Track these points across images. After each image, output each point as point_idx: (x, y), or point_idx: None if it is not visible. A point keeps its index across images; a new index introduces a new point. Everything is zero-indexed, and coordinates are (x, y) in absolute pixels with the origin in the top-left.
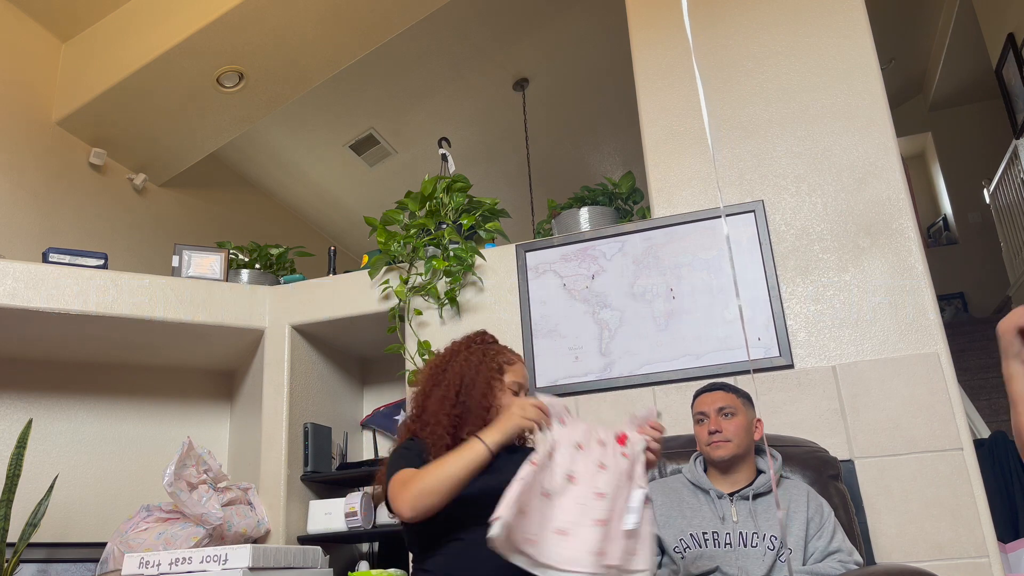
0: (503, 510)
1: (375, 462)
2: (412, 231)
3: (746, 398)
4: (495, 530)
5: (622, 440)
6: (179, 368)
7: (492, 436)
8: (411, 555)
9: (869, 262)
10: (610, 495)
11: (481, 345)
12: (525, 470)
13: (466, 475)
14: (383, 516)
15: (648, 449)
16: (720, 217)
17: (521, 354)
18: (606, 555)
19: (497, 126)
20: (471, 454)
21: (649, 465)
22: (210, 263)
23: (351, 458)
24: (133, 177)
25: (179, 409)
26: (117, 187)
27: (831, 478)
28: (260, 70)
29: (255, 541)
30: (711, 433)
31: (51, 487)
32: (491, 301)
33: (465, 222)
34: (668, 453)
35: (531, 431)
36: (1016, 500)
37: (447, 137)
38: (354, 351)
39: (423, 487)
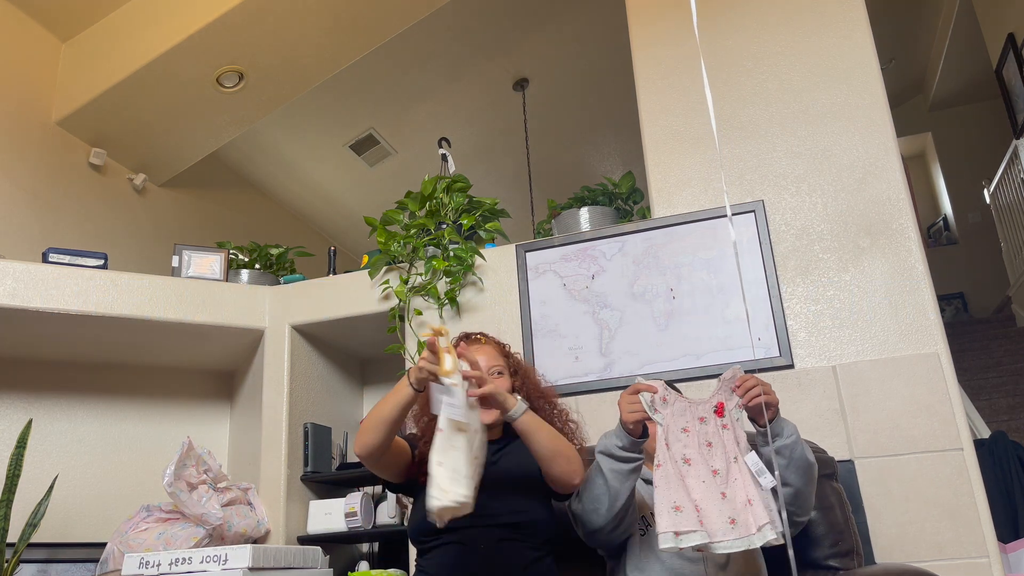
0: (663, 522)
1: None
2: (412, 231)
3: None
4: (671, 543)
5: (720, 411)
6: (179, 368)
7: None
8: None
9: (869, 262)
10: (723, 470)
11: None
12: (658, 476)
13: (394, 412)
14: (383, 516)
15: (750, 403)
16: (720, 217)
17: (508, 346)
18: (738, 523)
19: (497, 126)
20: (397, 391)
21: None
22: (210, 263)
23: (351, 458)
24: (133, 177)
25: (179, 409)
26: (117, 187)
27: (827, 477)
28: (260, 70)
29: (255, 541)
30: None
31: (51, 487)
32: (491, 301)
33: (465, 222)
34: None
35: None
36: (1016, 500)
37: (447, 137)
38: (354, 351)
39: (363, 427)
